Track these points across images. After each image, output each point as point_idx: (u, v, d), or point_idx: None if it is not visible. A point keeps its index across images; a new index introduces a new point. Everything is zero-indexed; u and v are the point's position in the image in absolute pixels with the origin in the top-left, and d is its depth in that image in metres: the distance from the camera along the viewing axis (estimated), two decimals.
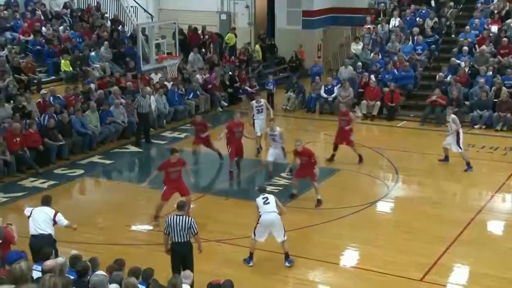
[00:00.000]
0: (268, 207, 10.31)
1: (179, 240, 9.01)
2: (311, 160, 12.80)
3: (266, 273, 10.16)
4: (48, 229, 9.20)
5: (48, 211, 9.34)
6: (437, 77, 19.47)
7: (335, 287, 10.07)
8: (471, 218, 12.18)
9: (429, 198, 13.41)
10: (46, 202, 9.53)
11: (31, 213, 9.38)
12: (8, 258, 7.27)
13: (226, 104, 21.17)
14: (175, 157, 11.91)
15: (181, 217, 9.04)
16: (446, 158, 15.31)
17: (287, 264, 10.31)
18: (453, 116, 14.96)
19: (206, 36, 24.07)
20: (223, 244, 11.24)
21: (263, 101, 16.36)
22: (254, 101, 16.28)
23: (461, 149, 14.82)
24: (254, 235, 10.30)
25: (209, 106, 20.80)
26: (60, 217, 9.32)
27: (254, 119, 15.98)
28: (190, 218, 9.08)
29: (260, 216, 10.31)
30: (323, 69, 22.78)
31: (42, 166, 15.08)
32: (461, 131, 14.88)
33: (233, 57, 23.77)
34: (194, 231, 9.01)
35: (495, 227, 12.40)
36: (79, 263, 7.26)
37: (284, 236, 10.30)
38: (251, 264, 10.36)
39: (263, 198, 10.47)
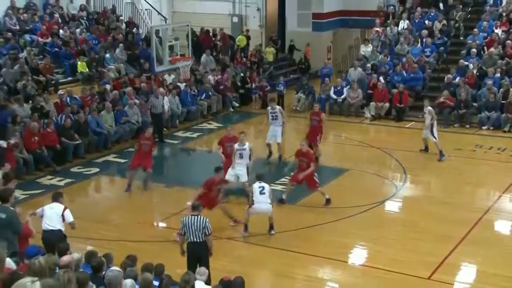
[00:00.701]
0: (263, 198, 10.91)
1: (195, 240, 9.00)
2: (309, 164, 12.48)
3: (276, 271, 10.16)
4: (58, 225, 9.26)
5: (58, 208, 9.37)
6: (446, 78, 19.36)
7: (344, 285, 10.04)
8: (479, 218, 12.11)
9: (437, 198, 13.34)
10: (56, 198, 9.55)
11: (43, 211, 9.44)
12: (27, 253, 7.32)
13: (237, 104, 21.22)
14: (219, 176, 11.54)
15: (196, 217, 9.03)
16: (426, 148, 15.93)
17: (272, 232, 11.23)
18: (429, 108, 15.61)
19: (218, 37, 24.08)
20: (234, 241, 11.25)
21: (277, 108, 15.61)
22: (269, 107, 15.64)
23: (435, 138, 15.43)
24: (248, 213, 11.11)
25: (221, 107, 20.83)
26: (67, 213, 9.32)
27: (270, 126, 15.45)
28: (205, 219, 9.05)
29: (253, 203, 10.98)
30: (332, 71, 22.74)
31: (59, 165, 15.16)
32: (435, 122, 15.47)
33: (244, 58, 23.80)
34: (208, 231, 8.99)
35: (502, 227, 12.31)
36: (94, 259, 7.30)
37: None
38: (246, 234, 11.20)
39: (260, 187, 10.97)
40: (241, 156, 12.83)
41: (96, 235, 11.16)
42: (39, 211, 9.52)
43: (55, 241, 8.49)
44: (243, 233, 11.35)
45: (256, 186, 11.09)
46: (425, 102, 16.06)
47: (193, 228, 8.95)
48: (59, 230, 9.21)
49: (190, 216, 9.07)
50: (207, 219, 9.08)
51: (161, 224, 12.15)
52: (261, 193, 10.99)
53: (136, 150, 13.98)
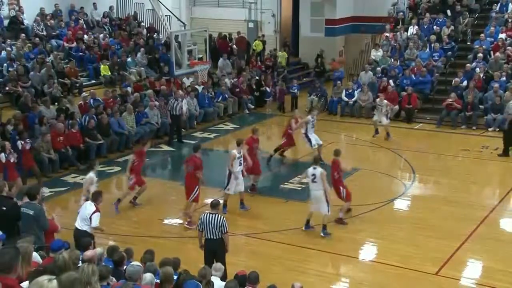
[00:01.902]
0: (315, 186, 10.91)
1: (211, 237, 8.98)
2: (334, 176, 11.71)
3: (289, 266, 10.14)
4: (85, 226, 9.23)
5: (90, 209, 9.32)
6: (453, 82, 19.20)
7: (354, 279, 10.00)
8: (485, 216, 12.00)
9: (445, 196, 13.23)
10: (93, 198, 9.52)
11: (80, 208, 9.51)
12: (52, 246, 7.38)
13: (252, 106, 21.21)
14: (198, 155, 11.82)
15: (214, 215, 8.99)
16: (377, 131, 17.35)
17: (322, 234, 11.03)
18: (385, 101, 17.51)
19: (234, 41, 24.06)
20: (249, 238, 11.25)
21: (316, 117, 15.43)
22: (309, 116, 15.16)
23: (389, 120, 17.52)
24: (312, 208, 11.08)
25: (237, 108, 20.84)
26: (94, 217, 9.21)
27: (307, 134, 15.10)
28: (222, 217, 9.01)
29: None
30: (344, 74, 22.66)
31: (83, 163, 15.25)
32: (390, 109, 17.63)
33: (259, 62, 23.78)
34: (224, 229, 8.96)
35: (508, 224, 12.19)
36: (116, 254, 7.33)
37: (328, 211, 11.03)
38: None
39: (313, 175, 10.91)
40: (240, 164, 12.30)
41: (117, 231, 11.21)
42: (79, 209, 9.51)
43: (79, 238, 8.58)
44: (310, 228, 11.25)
45: (311, 171, 10.96)
46: (380, 96, 17.86)
47: (210, 226, 8.93)
48: (85, 231, 9.14)
49: (208, 214, 9.05)
50: (224, 218, 9.06)
51: (179, 221, 12.17)
52: (313, 181, 10.92)
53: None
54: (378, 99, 17.84)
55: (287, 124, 15.70)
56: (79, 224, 9.30)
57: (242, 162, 12.24)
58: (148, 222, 12.03)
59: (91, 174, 11.12)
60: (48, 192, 13.20)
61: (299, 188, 13.67)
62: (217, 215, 9.02)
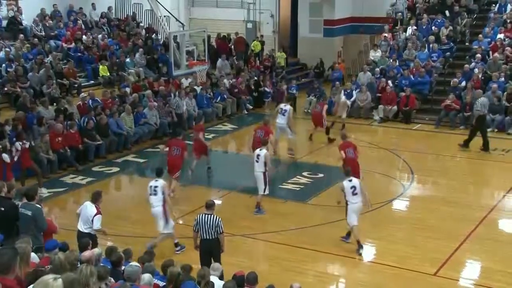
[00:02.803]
0: (356, 198, 10.42)
1: (207, 237, 9.00)
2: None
3: (288, 266, 10.14)
4: (87, 229, 9.20)
5: (91, 210, 9.26)
6: (451, 82, 19.22)
7: (352, 280, 10.00)
8: (483, 217, 12.01)
9: (443, 197, 13.24)
10: (93, 199, 9.44)
11: (81, 210, 9.42)
12: (47, 246, 7.38)
13: (251, 107, 21.21)
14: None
15: (209, 215, 9.02)
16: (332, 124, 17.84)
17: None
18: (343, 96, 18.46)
19: (232, 41, 24.04)
20: (247, 238, 11.25)
21: None
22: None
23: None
24: (349, 224, 10.55)
25: (235, 109, 20.84)
26: (96, 219, 9.18)
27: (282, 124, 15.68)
28: (217, 218, 9.03)
29: (347, 203, 10.46)
30: (343, 75, 22.66)
31: (82, 164, 15.26)
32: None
33: (258, 63, 23.80)
34: (220, 229, 8.98)
35: (506, 225, 12.19)
36: (114, 254, 7.33)
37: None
38: (348, 241, 10.67)
39: (352, 188, 10.39)
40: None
41: (116, 231, 11.20)
42: (79, 210, 9.45)
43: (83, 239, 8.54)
44: (346, 239, 10.81)
45: (347, 184, 10.43)
46: (339, 88, 19.04)
47: (206, 226, 8.95)
48: (88, 234, 9.09)
49: (203, 214, 9.07)
50: (220, 218, 9.07)
51: (179, 221, 12.15)
52: (354, 193, 10.39)
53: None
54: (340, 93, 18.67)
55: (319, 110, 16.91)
56: (82, 227, 9.26)
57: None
58: (147, 222, 12.00)
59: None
60: (47, 192, 13.20)
61: (298, 189, 13.69)
62: (212, 215, 9.04)
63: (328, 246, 10.85)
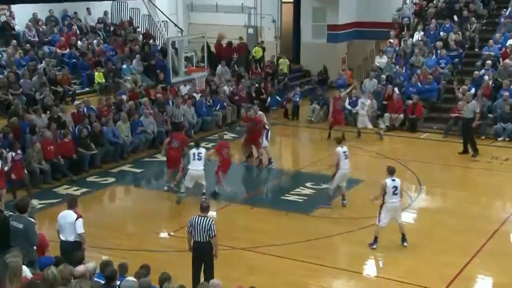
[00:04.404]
0: (395, 198, 10.88)
1: (199, 240, 9.11)
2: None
3: (289, 281, 10.06)
4: (72, 236, 9.07)
5: (71, 217, 9.14)
6: (460, 90, 19.09)
7: None
8: (495, 230, 11.94)
9: (453, 209, 13.18)
10: (70, 205, 9.33)
11: (58, 224, 9.27)
12: (40, 263, 7.32)
13: None
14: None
15: (203, 218, 9.13)
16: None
17: (405, 244, 11.14)
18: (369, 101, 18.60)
19: (235, 45, 24.01)
20: (247, 251, 11.18)
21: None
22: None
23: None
24: (379, 221, 11.00)
25: (236, 117, 20.81)
26: (78, 223, 9.05)
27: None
28: (210, 220, 9.12)
29: (384, 202, 10.87)
30: (347, 82, 22.64)
31: (76, 174, 15.22)
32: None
33: (259, 69, 23.81)
34: (212, 233, 9.05)
35: None
36: (108, 268, 7.28)
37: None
38: (374, 246, 11.04)
39: (393, 188, 10.83)
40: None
41: (110, 244, 11.14)
42: (57, 224, 9.31)
43: (70, 251, 8.45)
44: (373, 247, 11.09)
45: (390, 183, 10.90)
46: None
47: (198, 228, 9.06)
48: (74, 242, 9.02)
49: (198, 216, 9.17)
50: (213, 221, 9.11)
51: (176, 234, 12.10)
52: (394, 193, 10.88)
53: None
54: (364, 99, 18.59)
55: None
56: (67, 236, 9.11)
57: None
58: (143, 235, 11.97)
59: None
60: (38, 204, 13.12)
61: (301, 200, 13.63)
62: (206, 218, 9.13)
63: (332, 260, 10.78)
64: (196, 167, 13.14)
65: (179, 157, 13.95)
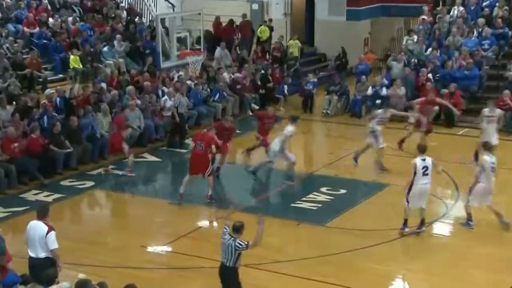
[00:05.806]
0: (425, 179, 11.87)
1: (222, 260, 9.12)
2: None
3: None
4: (42, 252, 9.09)
5: (41, 229, 9.13)
6: (508, 76, 19.13)
7: None
8: None
9: (496, 220, 13.20)
10: (40, 215, 9.32)
11: (26, 235, 9.29)
12: (4, 282, 7.40)
13: (257, 107, 21.18)
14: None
15: (231, 239, 9.04)
16: None
17: (423, 228, 12.10)
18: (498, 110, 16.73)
19: (238, 22, 24.07)
20: (253, 269, 11.23)
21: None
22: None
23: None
24: (407, 203, 11.95)
25: (238, 109, 20.89)
26: (50, 237, 9.04)
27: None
28: (236, 247, 8.95)
29: (413, 183, 11.81)
30: (370, 67, 22.69)
31: (47, 177, 15.31)
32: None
33: (266, 53, 23.90)
34: (232, 262, 9.02)
35: None
36: None
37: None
38: (406, 230, 12.04)
39: (423, 168, 11.78)
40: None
41: (89, 261, 11.24)
42: (25, 237, 9.34)
43: (40, 270, 8.51)
44: (405, 230, 12.11)
45: (419, 162, 11.89)
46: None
47: (224, 247, 9.04)
48: (45, 258, 9.06)
49: (228, 235, 9.08)
50: (239, 252, 8.97)
51: (166, 248, 12.20)
52: (424, 174, 11.83)
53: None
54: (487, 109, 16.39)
55: None
56: (37, 252, 9.14)
57: None
58: (128, 249, 12.06)
59: None
60: None
61: (315, 208, 13.71)
62: (235, 240, 9.01)
63: (352, 279, 10.84)
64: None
65: (205, 161, 13.78)
